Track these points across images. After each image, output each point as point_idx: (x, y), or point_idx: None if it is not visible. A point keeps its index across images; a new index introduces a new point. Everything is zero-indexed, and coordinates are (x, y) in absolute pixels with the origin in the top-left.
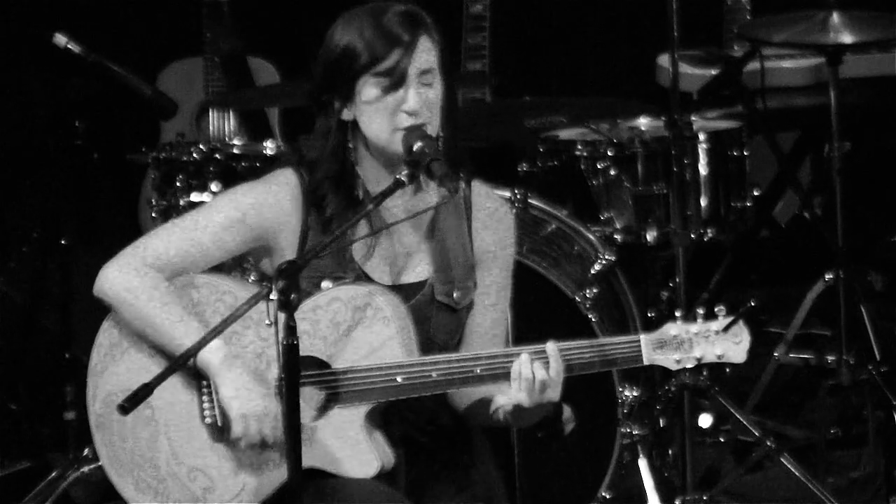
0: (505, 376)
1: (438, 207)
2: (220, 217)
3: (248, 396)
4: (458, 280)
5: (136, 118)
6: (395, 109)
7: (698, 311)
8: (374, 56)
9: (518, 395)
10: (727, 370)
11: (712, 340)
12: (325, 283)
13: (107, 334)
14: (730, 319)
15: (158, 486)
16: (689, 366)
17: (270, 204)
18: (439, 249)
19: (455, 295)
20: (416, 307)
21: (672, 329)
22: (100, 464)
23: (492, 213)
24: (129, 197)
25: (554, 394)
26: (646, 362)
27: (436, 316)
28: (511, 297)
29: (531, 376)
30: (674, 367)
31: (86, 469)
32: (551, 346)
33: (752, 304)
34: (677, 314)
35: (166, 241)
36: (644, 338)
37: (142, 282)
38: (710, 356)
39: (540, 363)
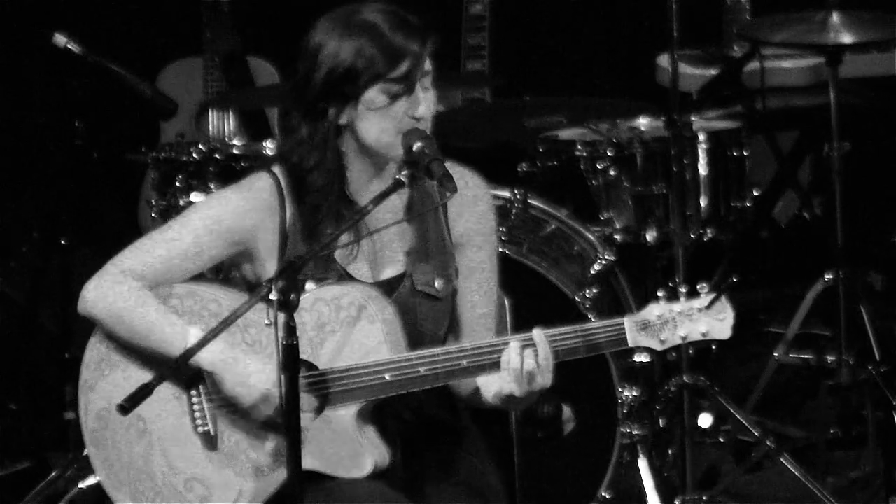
0: (492, 367)
1: (412, 198)
2: (198, 226)
3: (257, 378)
4: (438, 269)
5: (136, 118)
6: (402, 116)
7: (680, 290)
8: (389, 65)
9: (508, 385)
10: (726, 369)
11: (696, 318)
12: (309, 285)
13: (94, 350)
14: (712, 296)
15: (156, 498)
16: (675, 345)
17: (247, 209)
18: (416, 240)
19: (437, 284)
20: (399, 300)
21: (655, 309)
22: (98, 479)
23: (466, 196)
24: (129, 197)
25: (543, 381)
26: (631, 344)
27: (420, 306)
28: (511, 299)
29: (520, 365)
30: (659, 347)
31: (83, 485)
32: (538, 333)
33: (734, 278)
34: (660, 294)
35: (145, 252)
36: (628, 320)
37: (125, 292)
38: (695, 334)
39: (529, 351)
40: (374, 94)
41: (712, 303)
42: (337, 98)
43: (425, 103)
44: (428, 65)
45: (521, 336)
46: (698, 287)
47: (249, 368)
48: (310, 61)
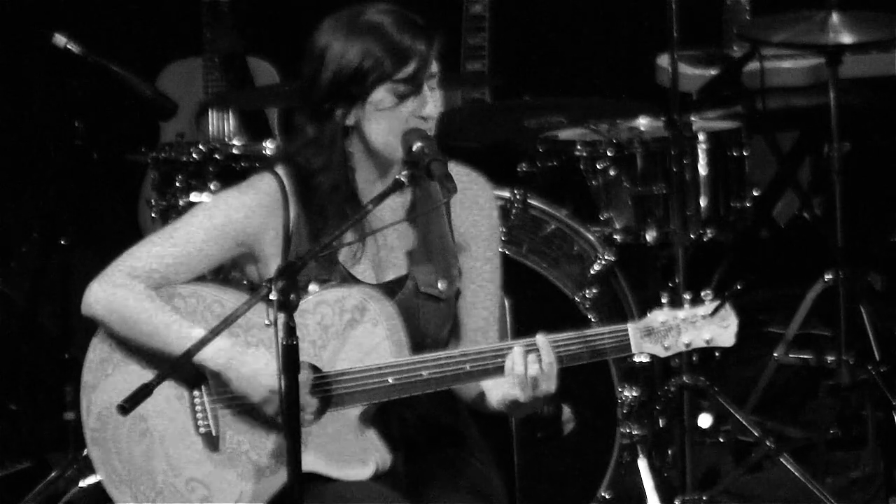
0: (495, 371)
1: (415, 199)
2: (202, 226)
3: (266, 373)
4: (441, 269)
5: (135, 118)
6: (409, 116)
7: (685, 296)
8: (396, 65)
9: (512, 390)
10: (726, 369)
11: (700, 325)
12: (312, 287)
13: (97, 350)
14: (717, 304)
15: (156, 498)
16: (678, 352)
17: (252, 210)
18: (419, 241)
19: (440, 285)
20: (401, 302)
21: (659, 316)
22: (99, 479)
23: (468, 194)
24: (128, 197)
25: (547, 386)
26: (634, 351)
27: (423, 308)
28: (511, 299)
29: (524, 371)
30: (662, 353)
31: (84, 484)
32: (542, 339)
33: (738, 286)
34: (664, 300)
35: (148, 253)
36: (632, 326)
37: (128, 292)
38: (699, 341)
39: (532, 356)
40: (381, 95)
41: (716, 310)
42: (344, 99)
43: (433, 103)
44: (434, 65)
45: (525, 341)
46: (702, 294)
47: (255, 366)
48: (316, 62)
